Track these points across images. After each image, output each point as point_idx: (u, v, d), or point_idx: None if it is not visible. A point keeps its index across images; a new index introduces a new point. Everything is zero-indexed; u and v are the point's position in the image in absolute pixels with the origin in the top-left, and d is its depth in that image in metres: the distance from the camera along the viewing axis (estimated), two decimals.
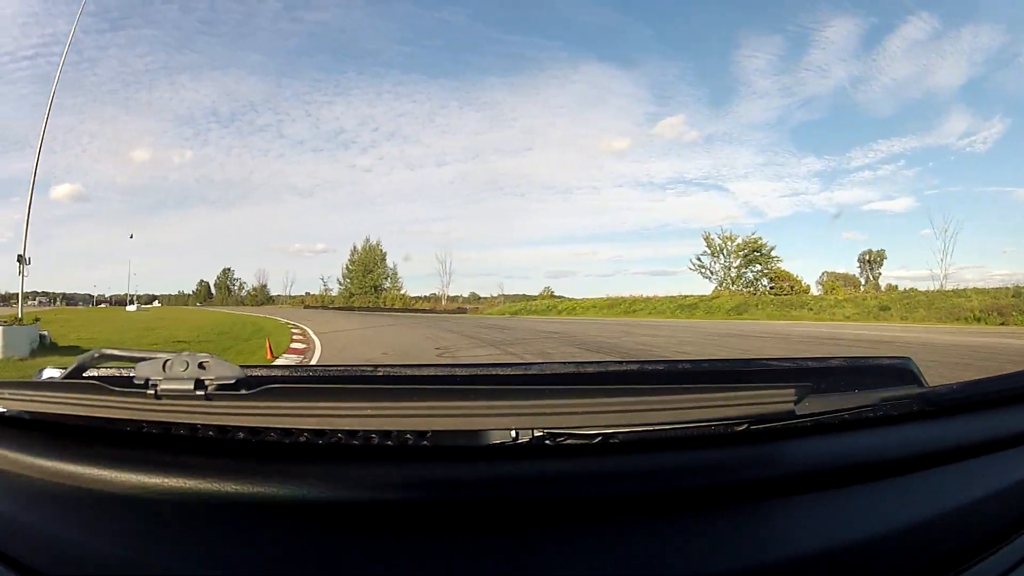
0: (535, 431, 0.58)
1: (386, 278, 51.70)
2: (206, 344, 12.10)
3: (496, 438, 0.59)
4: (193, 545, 0.53)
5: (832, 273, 39.67)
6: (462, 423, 0.55)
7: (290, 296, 62.47)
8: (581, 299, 41.13)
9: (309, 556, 0.50)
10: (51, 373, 0.93)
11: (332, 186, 65.78)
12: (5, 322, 9.30)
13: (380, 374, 0.79)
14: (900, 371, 0.83)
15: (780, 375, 0.84)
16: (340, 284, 54.22)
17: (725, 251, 37.74)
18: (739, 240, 37.50)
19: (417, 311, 39.16)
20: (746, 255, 37.18)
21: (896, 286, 34.13)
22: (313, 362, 8.70)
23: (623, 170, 59.72)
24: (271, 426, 0.58)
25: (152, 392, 0.58)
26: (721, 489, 0.56)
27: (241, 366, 0.60)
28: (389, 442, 0.59)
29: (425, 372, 0.80)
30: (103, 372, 0.81)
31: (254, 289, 67.01)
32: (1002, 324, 20.61)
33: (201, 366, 0.58)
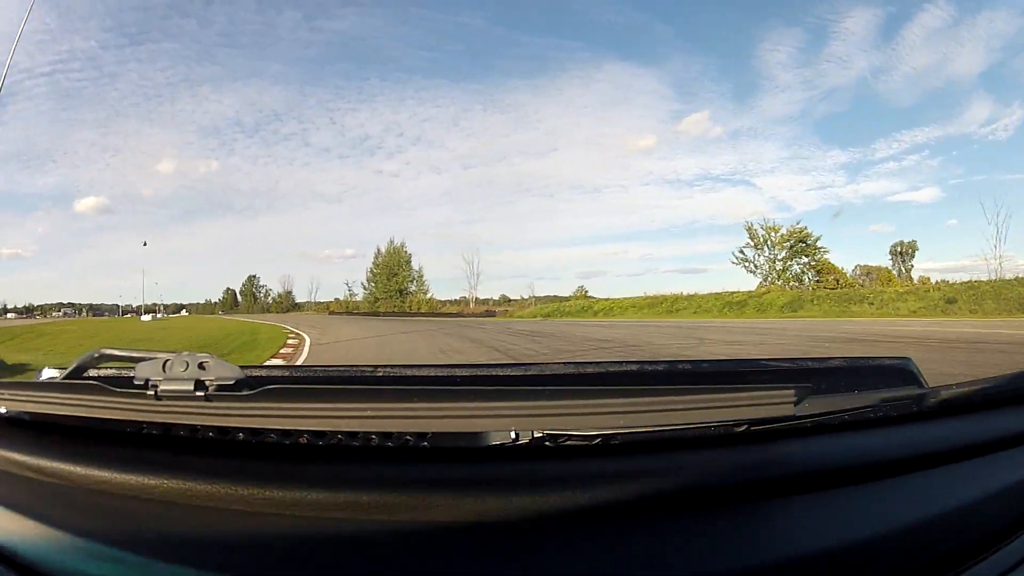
0: (535, 432, 0.58)
1: (411, 281, 50.00)
2: None
3: (496, 439, 0.59)
4: (193, 546, 0.53)
5: (865, 266, 36.92)
6: (462, 424, 0.55)
7: (316, 302, 61.75)
8: (619, 299, 37.94)
9: (310, 557, 0.50)
10: (51, 373, 0.93)
11: (359, 192, 64.59)
12: None
13: (380, 375, 0.79)
14: (900, 371, 0.83)
15: (780, 376, 0.84)
16: (364, 288, 52.58)
17: (769, 242, 33.49)
18: (783, 231, 33.28)
19: (444, 315, 38.10)
20: (791, 246, 32.89)
21: (928, 278, 32.14)
22: None
23: (650, 168, 57.47)
24: (271, 427, 0.58)
25: (152, 392, 0.58)
26: (721, 489, 0.56)
27: (241, 367, 0.60)
28: (389, 443, 0.59)
29: (425, 373, 0.80)
30: (103, 372, 0.81)
31: (279, 296, 66.22)
32: None
33: (201, 367, 0.58)
